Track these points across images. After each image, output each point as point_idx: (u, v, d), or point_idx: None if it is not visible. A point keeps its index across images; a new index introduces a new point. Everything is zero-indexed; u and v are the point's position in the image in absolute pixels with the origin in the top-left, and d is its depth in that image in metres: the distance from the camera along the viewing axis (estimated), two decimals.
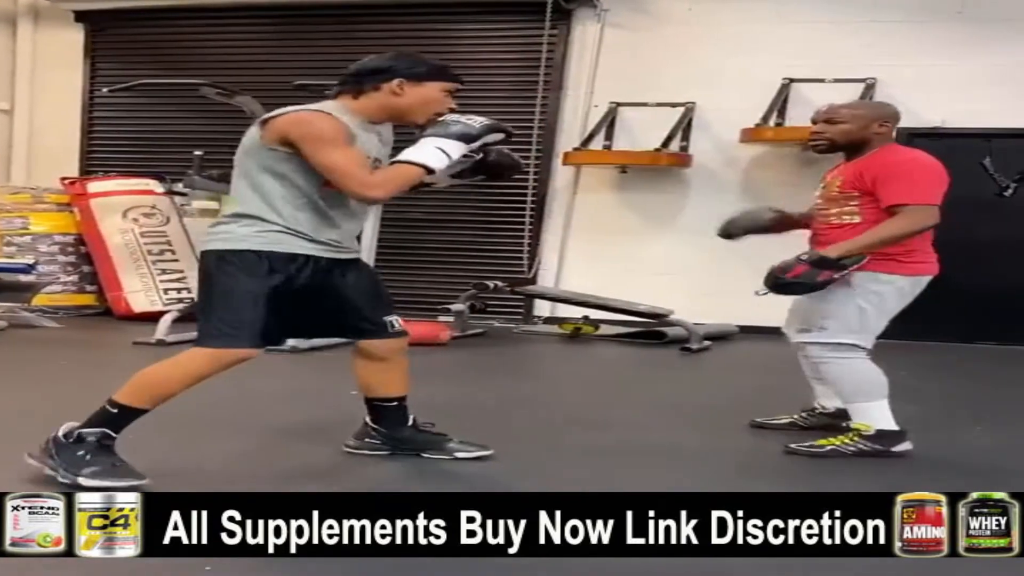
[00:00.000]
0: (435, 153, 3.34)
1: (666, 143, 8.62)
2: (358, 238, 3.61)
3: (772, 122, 8.37)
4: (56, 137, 10.31)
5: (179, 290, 8.63)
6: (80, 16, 10.25)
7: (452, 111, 3.62)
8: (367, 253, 7.68)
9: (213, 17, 10.01)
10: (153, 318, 7.39)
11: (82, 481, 3.14)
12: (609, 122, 8.96)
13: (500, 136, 3.53)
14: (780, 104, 8.43)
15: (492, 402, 5.43)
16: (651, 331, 7.93)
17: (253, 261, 3.30)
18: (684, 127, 8.73)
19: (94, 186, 8.95)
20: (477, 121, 3.50)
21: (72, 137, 10.33)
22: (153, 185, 8.60)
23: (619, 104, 8.96)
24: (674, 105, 8.75)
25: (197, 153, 7.45)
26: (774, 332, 8.34)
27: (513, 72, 9.37)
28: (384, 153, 3.55)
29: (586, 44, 9.16)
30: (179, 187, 7.63)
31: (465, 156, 3.55)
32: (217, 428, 4.31)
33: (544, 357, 7.57)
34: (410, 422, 3.82)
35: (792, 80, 8.49)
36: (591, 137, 8.96)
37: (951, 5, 8.31)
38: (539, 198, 9.25)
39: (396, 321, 3.74)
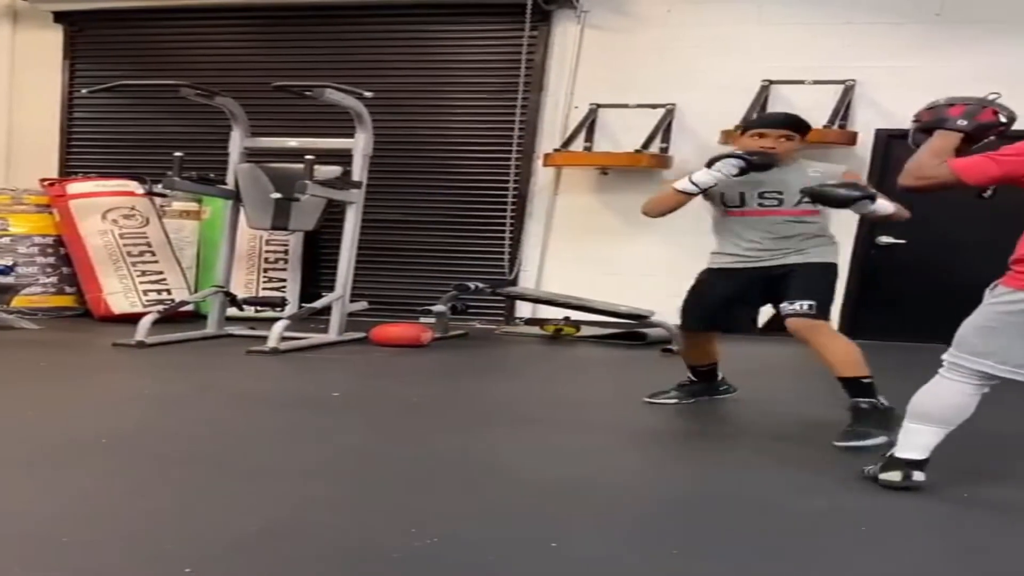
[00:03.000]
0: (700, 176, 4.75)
1: (646, 144, 8.64)
2: None
3: None
4: (35, 138, 10.27)
5: (159, 291, 8.60)
6: (59, 17, 10.21)
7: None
8: (346, 254, 7.70)
9: (193, 18, 9.99)
10: (133, 319, 7.37)
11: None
12: (589, 123, 8.98)
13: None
14: (760, 106, 8.46)
15: (471, 402, 5.44)
16: (632, 332, 7.95)
17: None
18: (664, 128, 8.75)
19: (74, 187, 8.91)
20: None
21: (51, 138, 10.31)
22: (133, 186, 8.55)
23: (599, 105, 8.98)
24: (654, 106, 8.78)
25: (177, 154, 7.42)
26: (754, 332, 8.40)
27: (494, 73, 9.37)
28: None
29: (566, 46, 9.17)
30: (159, 188, 7.60)
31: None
32: None
33: (525, 358, 7.57)
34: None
35: (771, 82, 8.52)
36: (572, 138, 8.98)
37: (929, 7, 8.35)
38: (520, 199, 9.27)
39: None
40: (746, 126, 5.29)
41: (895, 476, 3.47)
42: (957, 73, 8.11)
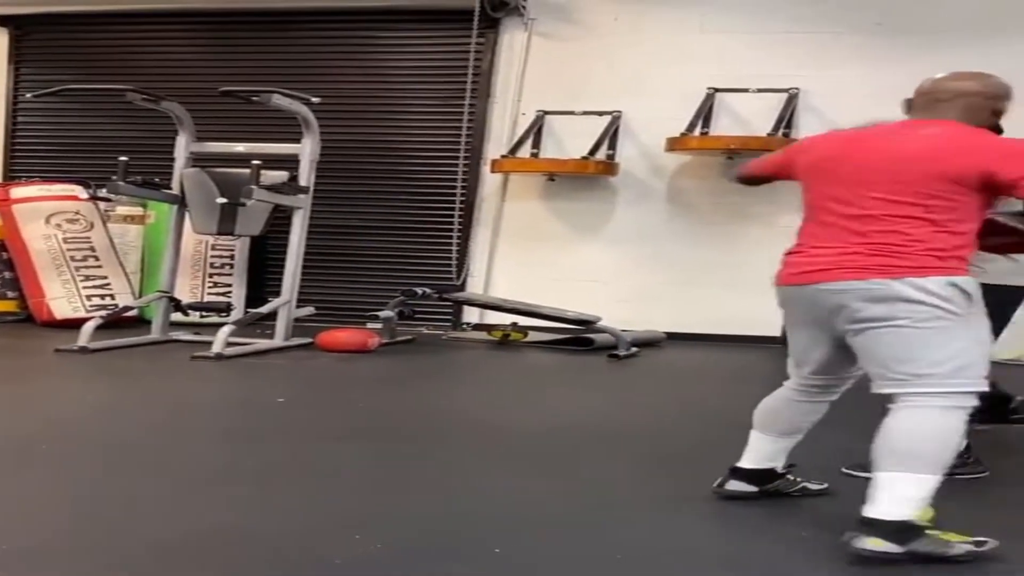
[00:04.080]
0: None
1: (593, 151, 8.69)
2: None
3: (698, 131, 8.46)
4: None
5: (102, 296, 8.53)
6: (4, 20, 10.07)
7: None
8: (292, 259, 7.69)
9: (140, 23, 9.90)
10: (76, 325, 7.31)
11: None
12: (537, 130, 9.01)
13: None
14: (705, 113, 8.54)
15: (416, 408, 5.45)
16: (579, 337, 7.99)
17: None
18: (611, 135, 8.80)
19: (17, 191, 8.81)
20: None
21: None
22: (77, 191, 8.47)
23: (547, 112, 9.02)
24: (601, 114, 8.83)
25: (122, 159, 7.37)
26: (701, 339, 8.51)
27: (442, 80, 9.38)
28: None
29: (514, 52, 9.20)
30: (103, 193, 7.54)
31: None
32: None
33: (471, 364, 7.59)
34: None
35: (717, 90, 8.60)
36: (519, 145, 9.01)
37: (870, 17, 8.45)
38: (467, 205, 9.28)
39: None
40: None
41: (716, 482, 3.49)
42: (898, 81, 8.12)
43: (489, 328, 8.57)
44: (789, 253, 3.22)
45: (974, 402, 2.96)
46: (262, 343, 7.41)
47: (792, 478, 3.53)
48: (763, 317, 8.10)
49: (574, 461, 4.13)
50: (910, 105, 3.27)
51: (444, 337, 8.67)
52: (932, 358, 2.90)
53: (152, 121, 8.69)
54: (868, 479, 2.93)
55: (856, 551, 2.82)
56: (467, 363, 7.63)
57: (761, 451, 3.46)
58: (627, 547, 2.95)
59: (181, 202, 7.83)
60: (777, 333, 8.58)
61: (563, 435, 4.63)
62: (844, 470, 3.80)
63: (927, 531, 2.86)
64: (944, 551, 2.85)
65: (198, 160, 8.03)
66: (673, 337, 8.30)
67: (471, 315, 9.21)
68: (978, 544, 2.89)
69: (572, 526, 3.19)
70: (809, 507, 3.44)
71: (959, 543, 2.88)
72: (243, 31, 9.72)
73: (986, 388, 2.99)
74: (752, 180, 3.70)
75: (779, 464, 3.49)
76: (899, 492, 2.85)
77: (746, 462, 3.46)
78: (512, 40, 9.23)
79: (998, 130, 3.26)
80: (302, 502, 3.35)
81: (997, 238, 3.42)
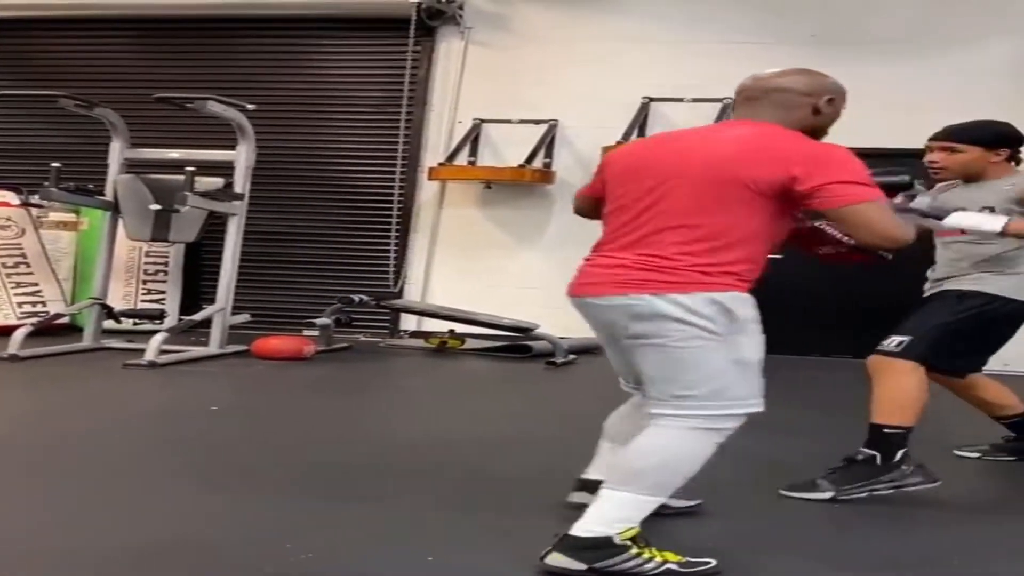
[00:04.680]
0: None
1: (529, 159, 8.75)
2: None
3: (633, 140, 8.54)
4: None
5: (34, 303, 8.42)
6: None
7: None
8: (228, 266, 7.64)
9: (75, 29, 9.82)
10: (6, 332, 7.21)
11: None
12: (473, 138, 9.05)
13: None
14: (640, 122, 8.62)
15: (350, 415, 5.44)
16: (517, 345, 8.02)
17: None
18: (547, 144, 8.86)
19: None
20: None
21: None
22: (9, 197, 8.37)
23: (483, 120, 9.06)
24: (537, 122, 8.89)
25: (54, 165, 7.30)
26: None
27: (378, 87, 9.40)
28: None
29: (450, 61, 9.25)
30: (35, 199, 7.45)
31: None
32: None
33: (404, 372, 7.58)
34: None
35: (651, 99, 8.69)
36: (456, 152, 9.04)
37: (804, 29, 8.59)
38: (405, 212, 9.29)
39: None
40: None
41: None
42: None
43: (426, 335, 8.58)
44: (585, 260, 3.01)
45: (732, 424, 2.79)
46: (196, 351, 7.36)
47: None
48: None
49: (434, 479, 4.04)
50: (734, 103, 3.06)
51: (381, 345, 8.67)
52: (687, 379, 2.73)
53: (86, 127, 8.62)
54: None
55: (544, 566, 2.71)
56: (400, 371, 7.62)
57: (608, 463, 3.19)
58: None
59: (115, 208, 7.75)
60: None
61: (452, 449, 4.49)
62: (782, 491, 3.70)
63: (627, 548, 2.70)
64: (638, 569, 2.70)
65: (132, 166, 7.96)
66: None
67: (409, 322, 9.22)
68: (686, 565, 2.75)
69: (506, 533, 3.21)
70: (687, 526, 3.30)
71: (661, 560, 2.73)
72: (179, 38, 9.65)
73: (758, 409, 2.81)
74: (584, 211, 3.38)
75: None
76: (608, 509, 2.72)
77: (594, 473, 3.23)
78: (449, 49, 9.27)
79: (820, 132, 3.02)
80: (233, 510, 3.34)
81: (825, 247, 3.28)
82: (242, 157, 7.71)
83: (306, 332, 8.10)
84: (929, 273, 4.16)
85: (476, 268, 9.05)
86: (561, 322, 8.31)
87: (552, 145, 8.91)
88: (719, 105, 8.59)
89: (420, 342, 8.57)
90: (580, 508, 2.82)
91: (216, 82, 8.82)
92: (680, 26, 8.83)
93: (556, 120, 8.91)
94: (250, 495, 3.56)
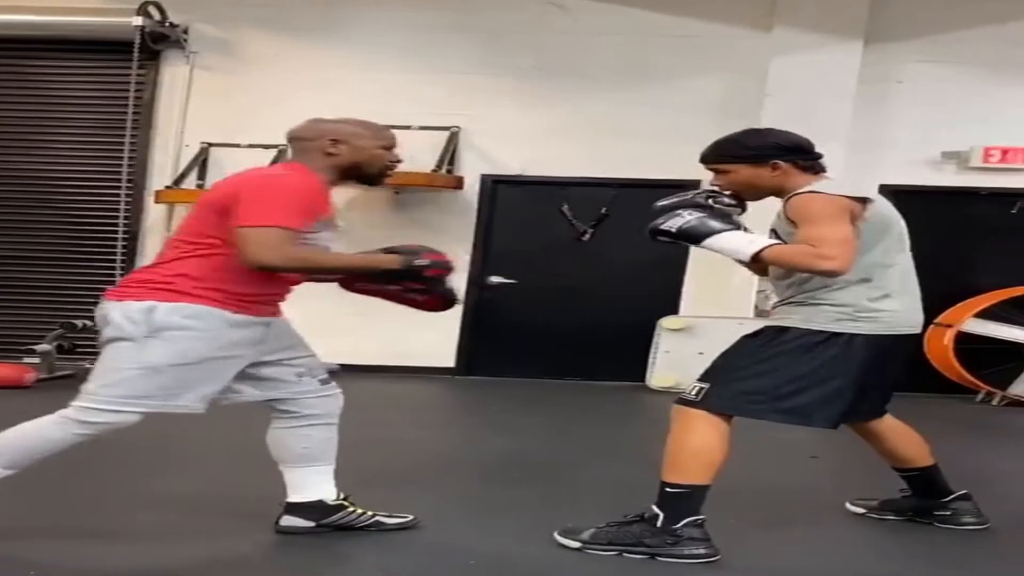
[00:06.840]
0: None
1: None
2: None
3: None
4: None
5: None
6: None
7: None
8: None
9: None
10: None
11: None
12: (202, 162, 9.04)
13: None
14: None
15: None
16: None
17: None
18: None
19: None
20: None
21: None
22: None
23: (211, 144, 9.06)
24: (266, 147, 8.94)
25: None
26: (376, 371, 8.70)
27: (102, 110, 9.26)
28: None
29: (176, 85, 9.22)
30: None
31: None
32: None
33: None
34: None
35: (388, 127, 8.88)
36: (183, 176, 9.01)
37: (526, 60, 8.99)
38: (131, 236, 9.18)
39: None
40: None
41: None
42: (552, 122, 8.81)
43: None
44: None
45: (100, 419, 3.27)
46: None
47: (357, 511, 3.52)
48: (437, 349, 8.53)
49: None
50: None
51: None
52: (94, 374, 3.29)
53: None
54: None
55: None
56: None
57: (292, 483, 3.50)
58: None
59: None
60: (451, 364, 8.95)
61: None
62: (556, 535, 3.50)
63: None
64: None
65: None
66: (348, 368, 8.48)
67: None
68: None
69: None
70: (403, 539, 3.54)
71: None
72: None
73: (130, 410, 3.29)
74: None
75: (327, 496, 3.49)
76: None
77: (293, 496, 3.49)
78: (175, 73, 9.24)
79: (355, 170, 3.47)
80: None
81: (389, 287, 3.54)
82: None
83: (25, 359, 7.89)
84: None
85: None
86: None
87: None
88: (447, 133, 8.87)
89: None
90: (294, 533, 3.44)
91: None
92: (409, 55, 9.06)
93: (285, 146, 8.96)
94: None
